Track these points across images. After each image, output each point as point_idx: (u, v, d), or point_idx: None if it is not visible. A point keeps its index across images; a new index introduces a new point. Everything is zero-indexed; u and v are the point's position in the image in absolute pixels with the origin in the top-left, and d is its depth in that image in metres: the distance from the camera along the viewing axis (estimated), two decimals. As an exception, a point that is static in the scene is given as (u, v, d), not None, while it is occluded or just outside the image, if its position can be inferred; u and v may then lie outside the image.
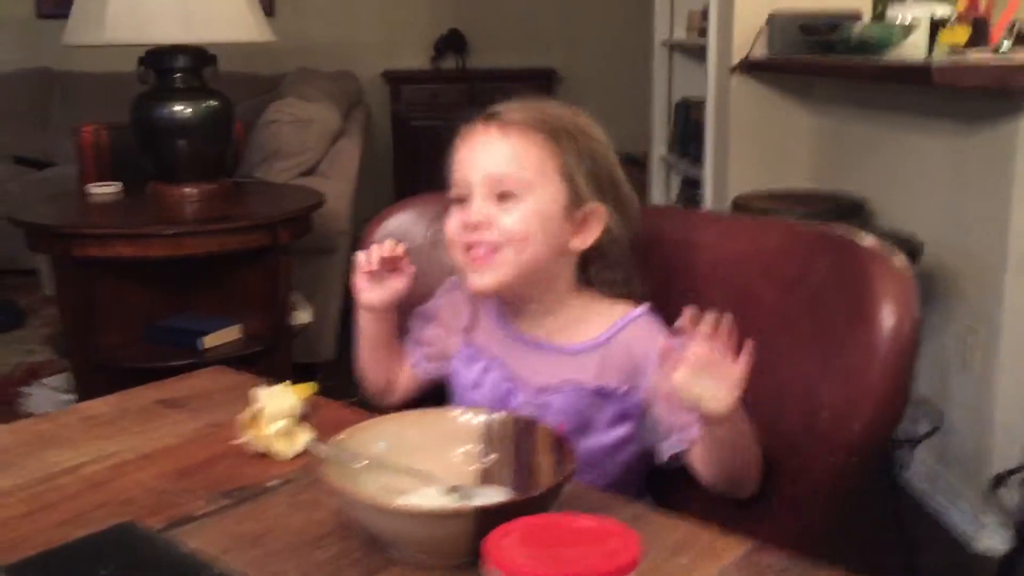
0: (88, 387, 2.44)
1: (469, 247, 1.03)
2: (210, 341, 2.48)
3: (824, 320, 0.92)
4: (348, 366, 1.23)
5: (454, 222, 1.04)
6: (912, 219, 2.41)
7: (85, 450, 0.98)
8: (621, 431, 1.04)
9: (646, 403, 1.02)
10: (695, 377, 0.85)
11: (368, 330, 1.15)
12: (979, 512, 2.19)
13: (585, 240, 1.04)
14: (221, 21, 2.42)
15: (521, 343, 1.08)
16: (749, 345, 0.84)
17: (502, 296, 1.07)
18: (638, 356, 1.02)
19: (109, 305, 2.53)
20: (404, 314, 1.17)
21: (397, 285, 1.11)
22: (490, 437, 0.88)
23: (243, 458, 0.96)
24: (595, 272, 1.07)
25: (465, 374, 1.11)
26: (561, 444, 0.84)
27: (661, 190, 4.20)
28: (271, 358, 2.51)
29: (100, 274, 2.49)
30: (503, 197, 1.01)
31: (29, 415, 2.62)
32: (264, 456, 0.96)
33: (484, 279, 1.03)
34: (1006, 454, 2.12)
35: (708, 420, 0.89)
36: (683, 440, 0.98)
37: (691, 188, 3.85)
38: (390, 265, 1.10)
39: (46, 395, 2.77)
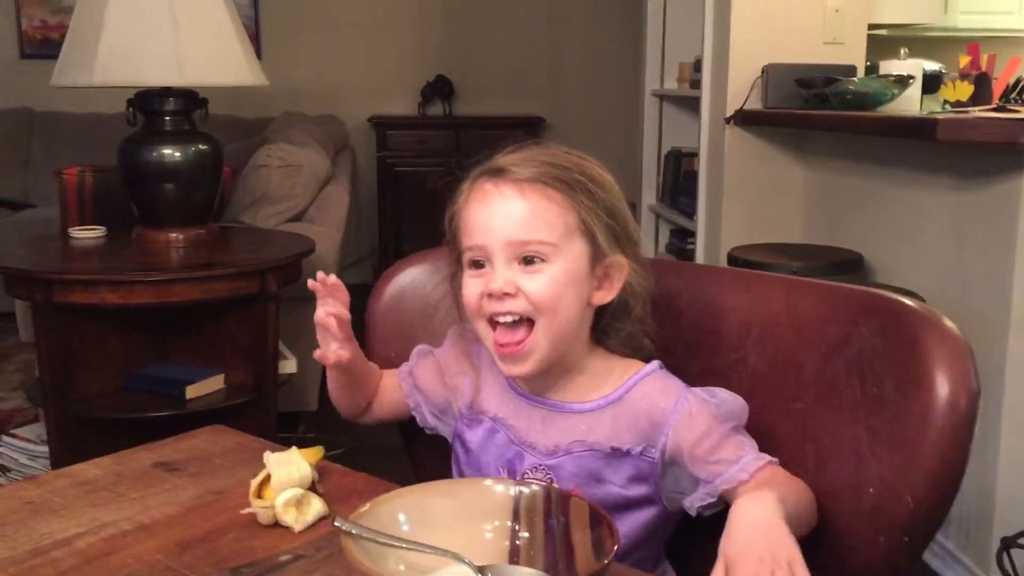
0: (63, 438, 2.35)
1: (493, 321, 0.97)
2: (194, 391, 2.40)
3: (871, 389, 0.88)
4: (330, 415, 1.19)
5: (474, 291, 0.97)
6: (911, 275, 2.39)
7: (79, 520, 0.91)
8: (637, 492, 0.99)
9: (667, 459, 0.97)
10: None
11: (338, 379, 1.10)
12: (981, 575, 2.14)
13: (607, 295, 1.00)
14: (214, 65, 2.38)
15: (528, 404, 1.03)
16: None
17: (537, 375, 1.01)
18: (654, 412, 0.97)
19: (88, 352, 2.45)
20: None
21: (323, 350, 1.06)
22: (520, 511, 0.83)
23: (250, 530, 0.90)
24: (611, 325, 1.02)
25: (470, 437, 1.06)
26: (600, 519, 0.78)
27: (650, 240, 4.19)
28: (256, 409, 2.43)
29: (80, 320, 2.41)
30: (527, 261, 0.95)
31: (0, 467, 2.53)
32: (273, 528, 0.90)
33: (523, 366, 0.97)
34: (1008, 517, 2.08)
35: None
36: (716, 490, 0.93)
37: (680, 238, 3.83)
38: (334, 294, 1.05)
39: (18, 446, 2.66)
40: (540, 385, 1.02)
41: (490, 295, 0.95)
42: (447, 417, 1.10)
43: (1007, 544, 1.99)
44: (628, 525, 0.99)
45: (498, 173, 0.97)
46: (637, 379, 1.00)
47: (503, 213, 0.95)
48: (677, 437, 0.96)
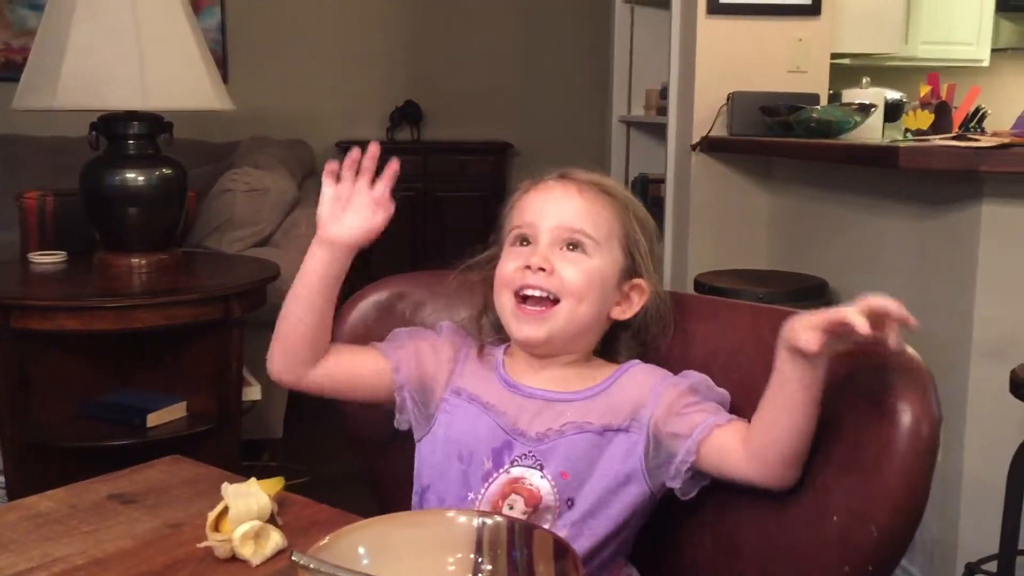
0: (19, 467, 2.30)
1: (522, 295, 1.01)
2: (155, 419, 2.36)
3: (833, 416, 0.88)
4: (295, 443, 1.17)
5: (512, 262, 1.03)
6: (875, 300, 2.40)
7: (29, 554, 0.88)
8: (625, 469, 1.00)
9: (652, 432, 0.99)
10: None
11: (317, 270, 1.03)
12: (947, 600, 2.14)
13: (625, 312, 1.06)
14: (179, 88, 2.36)
15: (519, 395, 1.04)
16: None
17: (544, 350, 1.04)
18: (641, 390, 1.01)
19: (46, 379, 2.40)
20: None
21: (376, 220, 1.03)
22: (483, 543, 0.81)
23: (207, 564, 0.87)
24: (622, 342, 1.07)
25: (453, 424, 1.04)
26: (564, 551, 0.77)
27: (617, 265, 4.20)
28: (219, 437, 2.40)
29: (38, 347, 2.36)
30: (570, 247, 1.02)
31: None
32: (230, 562, 0.88)
33: (538, 330, 1.01)
34: (973, 543, 2.09)
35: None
36: (695, 443, 0.96)
37: (647, 264, 3.85)
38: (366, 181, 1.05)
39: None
40: (533, 377, 1.05)
41: (527, 267, 1.01)
42: (423, 399, 1.06)
43: (972, 570, 2.00)
44: (616, 507, 1.00)
45: (562, 176, 1.07)
46: (625, 368, 1.05)
47: (559, 200, 1.04)
48: (660, 404, 0.99)
